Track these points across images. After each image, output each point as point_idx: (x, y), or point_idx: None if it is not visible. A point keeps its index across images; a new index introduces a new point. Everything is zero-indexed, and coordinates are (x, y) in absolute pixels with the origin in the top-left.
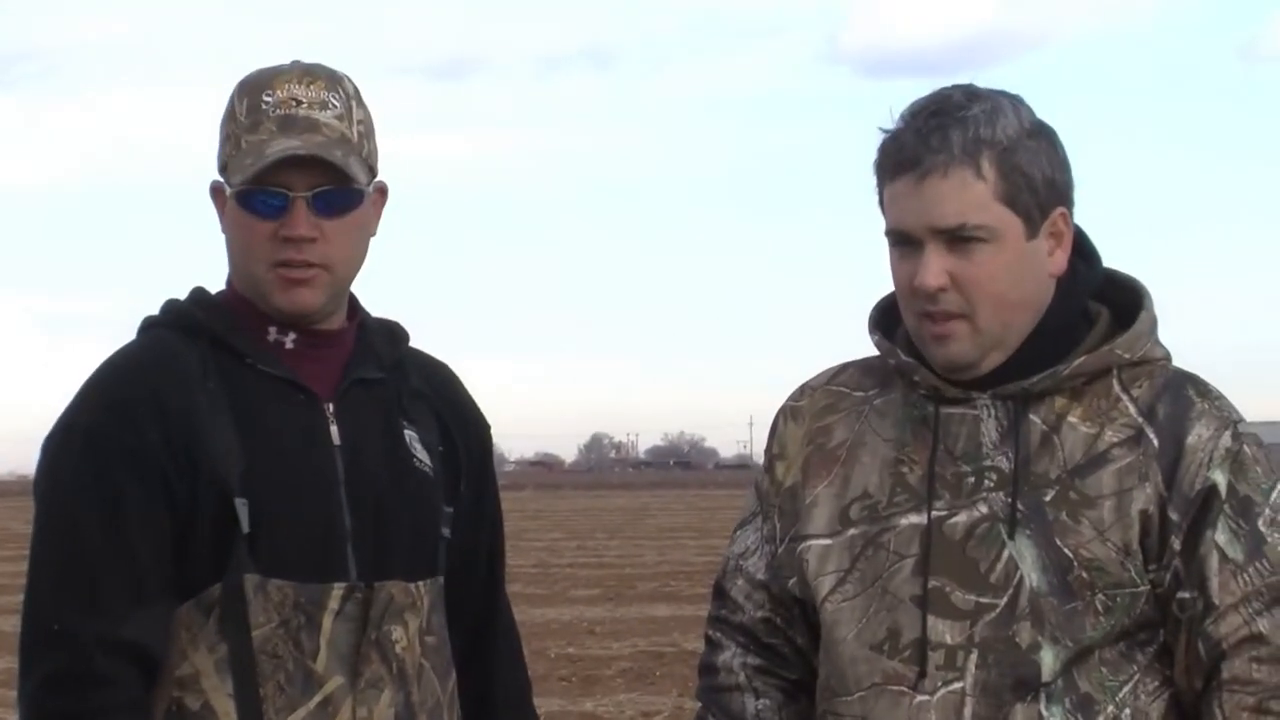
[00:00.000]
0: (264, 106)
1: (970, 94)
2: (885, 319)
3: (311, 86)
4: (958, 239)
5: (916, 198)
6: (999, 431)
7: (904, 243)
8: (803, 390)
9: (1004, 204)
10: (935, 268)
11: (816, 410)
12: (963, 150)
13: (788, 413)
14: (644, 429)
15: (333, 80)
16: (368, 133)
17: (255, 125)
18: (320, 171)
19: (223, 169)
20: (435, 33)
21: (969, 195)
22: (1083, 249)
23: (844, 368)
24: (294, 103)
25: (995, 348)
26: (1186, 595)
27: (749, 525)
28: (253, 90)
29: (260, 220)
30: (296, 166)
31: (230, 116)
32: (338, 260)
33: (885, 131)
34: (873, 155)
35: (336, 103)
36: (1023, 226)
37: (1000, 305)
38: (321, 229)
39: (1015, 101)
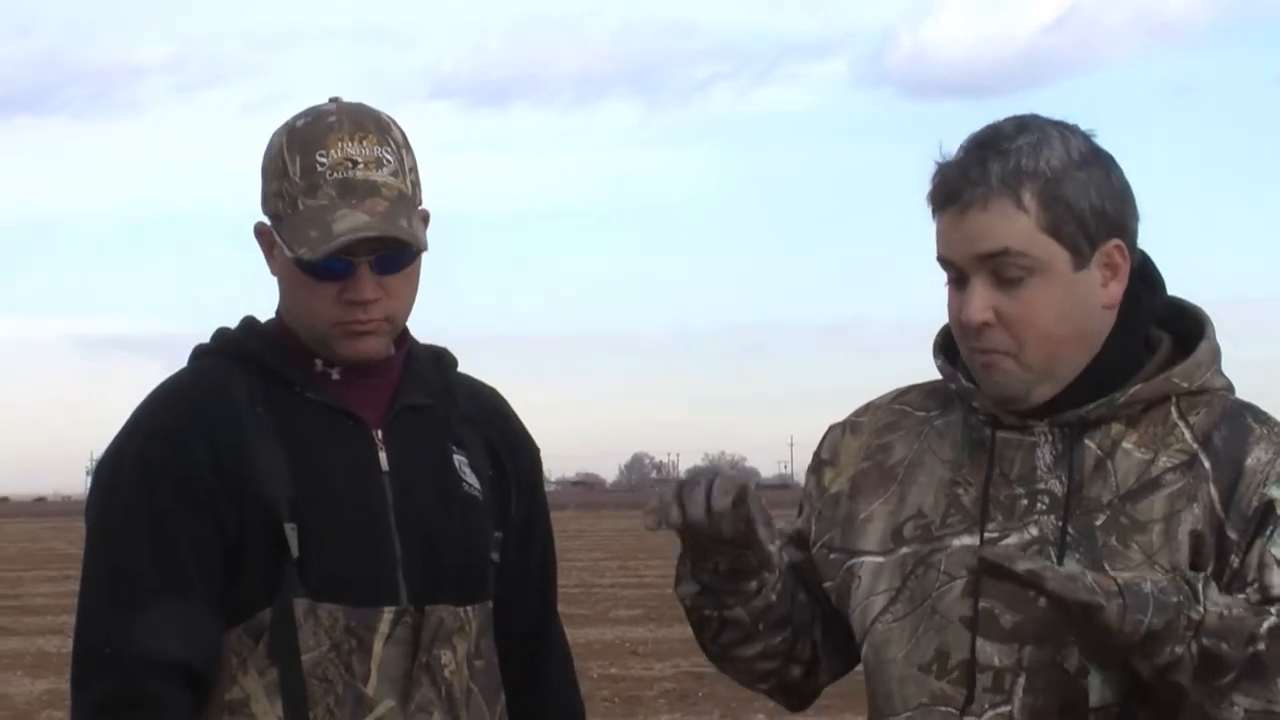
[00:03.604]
0: (319, 168)
1: (1021, 125)
2: (950, 343)
3: (364, 143)
4: (1004, 277)
5: (959, 230)
6: (1054, 456)
7: (953, 275)
8: (866, 407)
9: (1049, 235)
10: (979, 303)
11: (878, 427)
12: (1001, 182)
13: (848, 425)
14: (685, 449)
15: (382, 130)
16: (418, 178)
17: (312, 188)
18: (385, 237)
19: (274, 219)
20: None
21: (1011, 226)
22: (1147, 276)
23: (909, 389)
24: (350, 164)
25: (1043, 381)
26: (1242, 596)
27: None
28: (304, 148)
29: (322, 283)
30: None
31: (281, 171)
32: (400, 312)
33: (938, 164)
34: (916, 178)
35: (390, 157)
36: (1070, 258)
37: (1047, 341)
38: (384, 287)
39: (1067, 131)
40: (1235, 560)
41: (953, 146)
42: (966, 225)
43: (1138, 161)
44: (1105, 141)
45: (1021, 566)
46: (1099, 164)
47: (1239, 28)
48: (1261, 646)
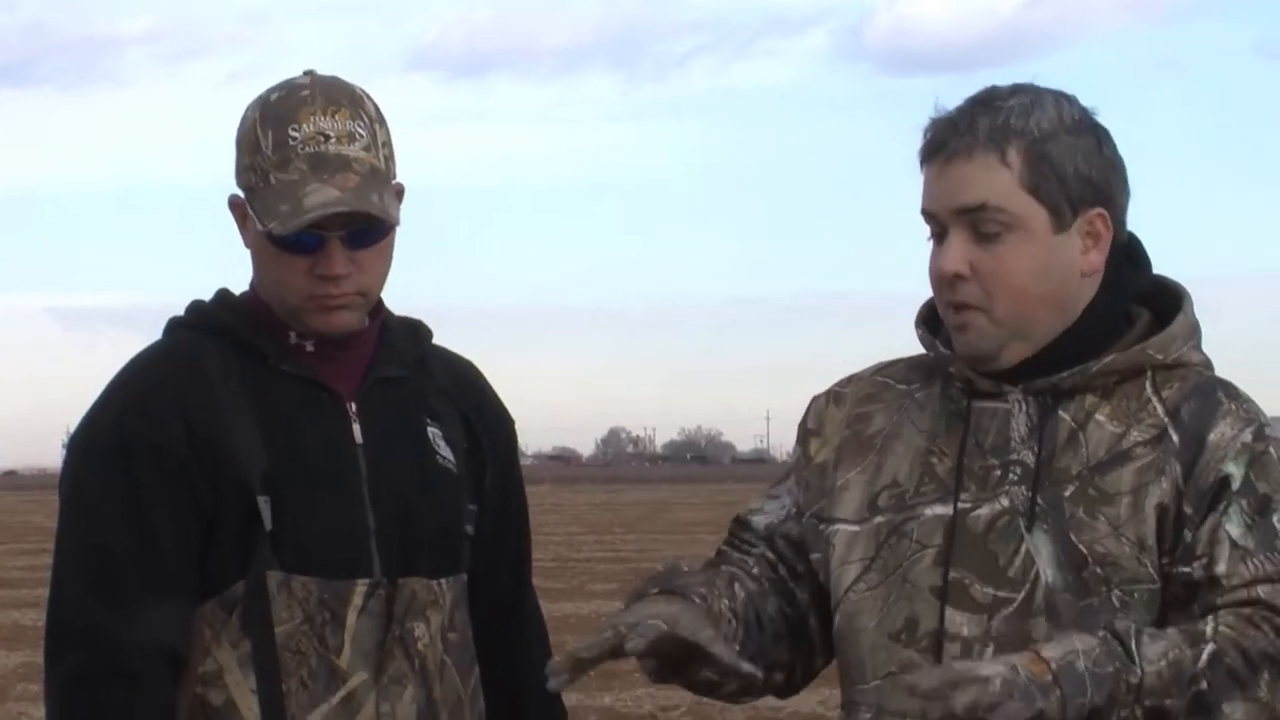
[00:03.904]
0: (291, 142)
1: (1018, 88)
2: (933, 316)
3: (337, 117)
4: (982, 232)
5: (942, 180)
6: (1028, 426)
7: (934, 228)
8: (849, 379)
9: (1028, 193)
10: (955, 255)
11: (859, 397)
12: (988, 136)
13: (831, 396)
14: (661, 423)
15: (355, 104)
16: (391, 153)
17: (284, 163)
18: (356, 212)
19: (248, 192)
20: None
21: (992, 179)
22: (1135, 255)
23: (893, 362)
24: (322, 138)
25: (1015, 340)
26: (1188, 570)
27: (776, 499)
28: (277, 121)
29: (294, 257)
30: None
31: (254, 145)
32: (372, 286)
33: (931, 119)
34: (896, 152)
35: (362, 131)
36: (1049, 218)
37: (1019, 298)
38: (356, 261)
39: (1063, 98)
40: (1188, 535)
41: (950, 105)
42: (949, 175)
43: (1119, 136)
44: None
45: (959, 705)
46: (1091, 133)
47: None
48: (1203, 685)
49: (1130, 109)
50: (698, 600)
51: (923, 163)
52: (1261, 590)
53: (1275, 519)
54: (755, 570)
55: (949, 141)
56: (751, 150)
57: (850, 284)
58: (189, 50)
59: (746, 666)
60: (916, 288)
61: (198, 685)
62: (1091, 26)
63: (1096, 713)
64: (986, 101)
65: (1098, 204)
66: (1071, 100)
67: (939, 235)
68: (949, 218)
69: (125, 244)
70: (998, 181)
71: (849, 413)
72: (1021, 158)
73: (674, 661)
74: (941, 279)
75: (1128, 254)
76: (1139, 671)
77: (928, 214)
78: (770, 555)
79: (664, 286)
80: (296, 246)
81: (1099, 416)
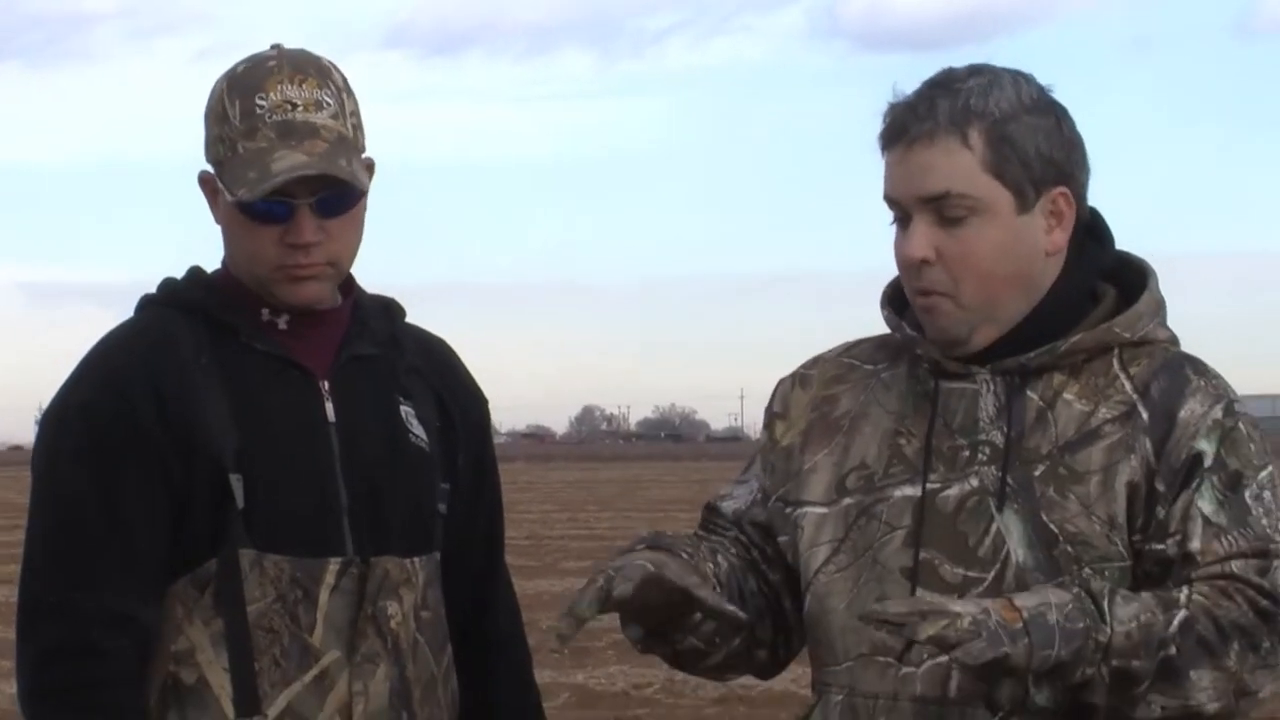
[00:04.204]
0: (259, 111)
1: (975, 69)
2: (898, 296)
3: (304, 86)
4: (946, 216)
5: (904, 165)
6: (996, 406)
7: (898, 214)
8: (815, 360)
9: (991, 175)
10: (919, 240)
11: (825, 379)
12: (949, 119)
13: (797, 378)
14: (635, 401)
15: (322, 74)
16: (359, 122)
17: (251, 131)
18: (322, 177)
19: (216, 165)
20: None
21: (954, 163)
22: (1096, 231)
23: (859, 342)
24: (289, 106)
25: (984, 323)
26: (1161, 547)
27: (745, 484)
28: (244, 92)
29: (263, 226)
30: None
31: (221, 116)
32: (343, 256)
33: (890, 104)
34: (871, 130)
35: (330, 100)
36: (1013, 200)
37: (985, 281)
38: (325, 229)
39: (1020, 77)
40: (1161, 512)
41: (907, 88)
42: (911, 161)
43: (1095, 114)
44: (1063, 94)
45: (923, 634)
46: (1050, 112)
47: None
48: (1172, 650)
49: (1102, 86)
50: (685, 556)
51: (883, 148)
52: (1235, 565)
53: (1247, 495)
54: (733, 550)
55: (910, 126)
56: (727, 127)
57: (825, 261)
58: (159, 26)
59: (732, 608)
60: (893, 265)
61: (170, 663)
62: (1066, 3)
63: (1062, 666)
64: (945, 84)
65: (1060, 183)
66: (1029, 79)
67: (903, 220)
68: (913, 204)
69: (96, 220)
70: (960, 165)
71: (815, 395)
72: (983, 139)
73: (660, 616)
74: (908, 265)
75: (1090, 230)
76: (1108, 630)
77: (891, 200)
78: (742, 538)
79: (638, 264)
80: (266, 215)
81: (1067, 395)
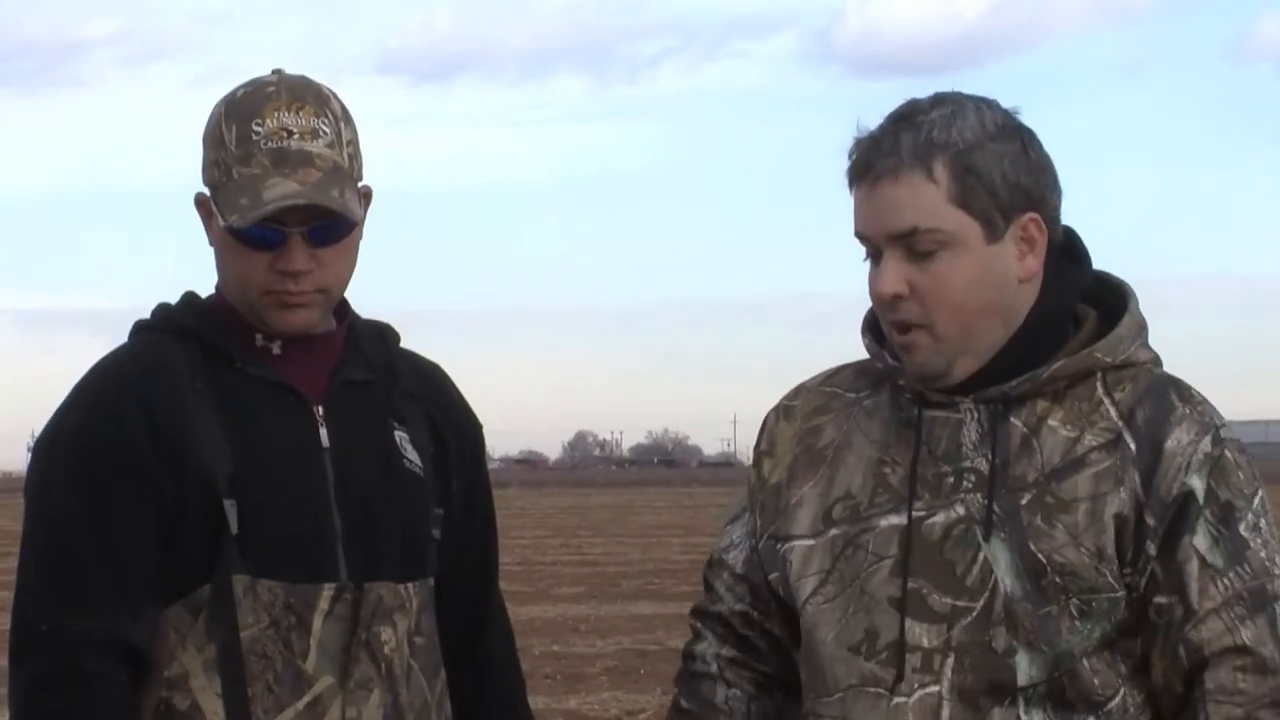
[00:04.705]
0: (254, 137)
1: (938, 99)
2: (878, 323)
3: (301, 113)
4: (917, 250)
5: (871, 203)
6: (979, 433)
7: (869, 249)
8: (798, 390)
9: (958, 207)
10: (891, 275)
11: (809, 410)
12: (912, 154)
13: (781, 411)
14: (628, 426)
15: (320, 102)
16: (356, 151)
17: (246, 157)
18: (314, 206)
19: (212, 189)
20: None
21: (920, 199)
22: (1073, 250)
23: (840, 369)
24: (285, 134)
25: (962, 355)
26: (1164, 600)
27: (738, 520)
28: (241, 117)
29: (255, 252)
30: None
31: (218, 140)
32: (334, 284)
33: (855, 139)
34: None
35: (326, 129)
36: (982, 230)
37: (959, 313)
38: (317, 258)
39: (984, 105)
40: (1151, 547)
41: (871, 123)
42: (878, 197)
43: (1088, 139)
44: (1055, 119)
45: None
46: (1015, 137)
47: (1186, 2)
48: None
49: (1095, 111)
50: None
51: (850, 185)
52: (1246, 634)
53: (1242, 527)
54: (725, 654)
55: (874, 163)
56: (720, 152)
57: (817, 286)
58: (153, 53)
59: None
60: None
61: (163, 689)
62: (1058, 30)
63: None
64: (908, 117)
65: (1029, 209)
66: (993, 105)
67: (875, 256)
68: (882, 240)
69: (89, 247)
70: (926, 200)
71: (799, 428)
72: (948, 171)
73: None
74: (881, 300)
75: (1066, 250)
76: None
77: (861, 236)
78: (744, 605)
79: (631, 289)
80: (258, 241)
81: (1051, 421)
